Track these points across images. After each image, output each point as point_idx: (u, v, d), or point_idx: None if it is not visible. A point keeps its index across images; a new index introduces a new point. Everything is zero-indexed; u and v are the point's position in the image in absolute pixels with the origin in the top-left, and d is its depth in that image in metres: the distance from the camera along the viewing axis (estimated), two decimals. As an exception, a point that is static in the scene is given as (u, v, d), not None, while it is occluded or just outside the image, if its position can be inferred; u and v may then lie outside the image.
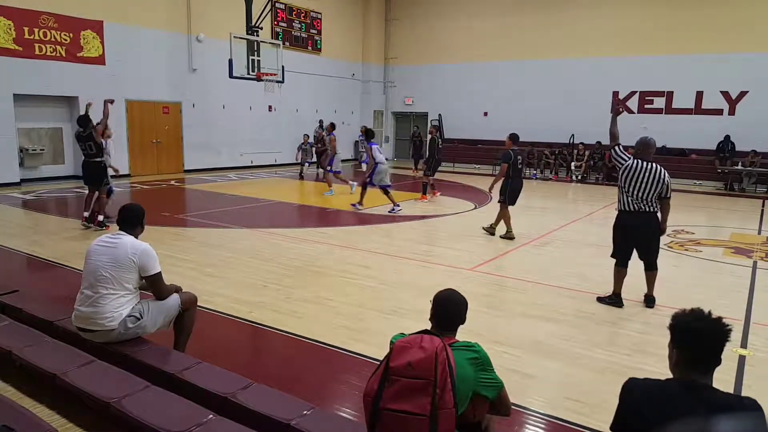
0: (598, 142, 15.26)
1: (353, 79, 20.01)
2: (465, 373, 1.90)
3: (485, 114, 18.80)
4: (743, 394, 3.19)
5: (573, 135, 16.73)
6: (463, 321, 2.12)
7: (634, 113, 16.06)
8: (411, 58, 20.15)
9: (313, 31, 18.10)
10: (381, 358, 1.93)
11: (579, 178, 15.68)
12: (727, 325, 1.54)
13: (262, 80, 12.98)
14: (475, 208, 10.41)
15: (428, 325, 2.10)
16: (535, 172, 16.60)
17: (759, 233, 8.61)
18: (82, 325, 2.96)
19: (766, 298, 5.22)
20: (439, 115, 19.52)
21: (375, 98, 20.74)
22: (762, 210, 11.04)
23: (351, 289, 5.10)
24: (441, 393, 1.78)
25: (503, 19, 17.96)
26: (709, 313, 1.57)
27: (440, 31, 19.27)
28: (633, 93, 16.28)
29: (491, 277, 5.59)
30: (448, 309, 2.07)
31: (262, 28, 13.43)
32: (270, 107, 16.65)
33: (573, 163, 15.97)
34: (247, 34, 12.94)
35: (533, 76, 17.55)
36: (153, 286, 3.03)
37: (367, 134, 9.72)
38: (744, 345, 3.98)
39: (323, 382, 3.35)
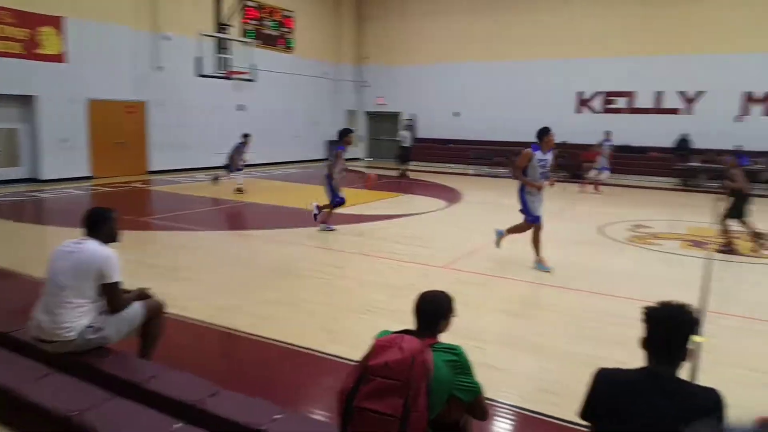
0: (564, 142, 15.62)
1: (326, 78, 19.86)
2: (441, 375, 1.88)
3: (456, 114, 18.99)
4: (699, 378, 3.34)
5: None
6: (442, 323, 2.07)
7: (601, 113, 16.59)
8: (384, 58, 20.14)
9: (285, 30, 17.88)
10: (356, 359, 1.90)
11: (546, 177, 16.03)
12: (692, 314, 1.65)
13: (231, 79, 12.73)
14: (447, 206, 10.49)
15: (404, 325, 2.07)
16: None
17: (713, 226, 8.98)
18: (39, 335, 2.81)
19: (721, 288, 5.47)
20: (413, 115, 19.59)
21: (348, 98, 20.64)
22: (716, 204, 11.52)
23: (326, 290, 5.04)
24: (414, 396, 1.76)
25: (474, 20, 18.15)
26: (677, 304, 1.68)
27: (413, 31, 19.34)
28: (597, 94, 16.79)
29: (464, 274, 5.63)
30: (426, 309, 2.05)
31: (233, 26, 13.17)
32: (241, 106, 16.34)
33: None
34: (217, 31, 12.67)
35: (501, 76, 17.82)
36: (108, 295, 2.80)
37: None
38: (699, 333, 4.14)
39: (299, 386, 3.28)
